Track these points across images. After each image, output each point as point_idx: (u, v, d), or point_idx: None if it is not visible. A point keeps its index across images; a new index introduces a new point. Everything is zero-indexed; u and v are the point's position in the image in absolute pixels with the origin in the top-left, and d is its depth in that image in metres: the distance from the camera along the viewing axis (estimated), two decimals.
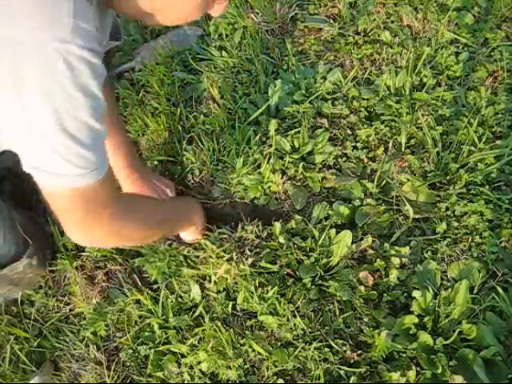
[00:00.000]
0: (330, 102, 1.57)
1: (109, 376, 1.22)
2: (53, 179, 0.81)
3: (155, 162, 1.53)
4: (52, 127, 0.75)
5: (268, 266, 1.25)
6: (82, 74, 0.73)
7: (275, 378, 1.14)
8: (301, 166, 1.40)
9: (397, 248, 1.28)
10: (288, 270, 1.25)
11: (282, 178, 1.40)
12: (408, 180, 1.39)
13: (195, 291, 1.27)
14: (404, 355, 1.13)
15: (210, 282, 1.27)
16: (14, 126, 0.76)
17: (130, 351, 1.24)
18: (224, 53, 1.74)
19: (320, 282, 1.24)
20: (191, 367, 1.18)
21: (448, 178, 1.39)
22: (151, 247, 1.36)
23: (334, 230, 1.29)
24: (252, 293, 1.21)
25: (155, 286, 1.32)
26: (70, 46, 0.71)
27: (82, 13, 0.72)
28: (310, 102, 1.55)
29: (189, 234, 1.33)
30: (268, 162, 1.42)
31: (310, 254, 1.27)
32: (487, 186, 1.35)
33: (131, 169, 1.37)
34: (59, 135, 0.76)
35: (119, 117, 1.42)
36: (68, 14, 0.70)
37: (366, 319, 1.19)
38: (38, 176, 0.82)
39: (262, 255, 1.27)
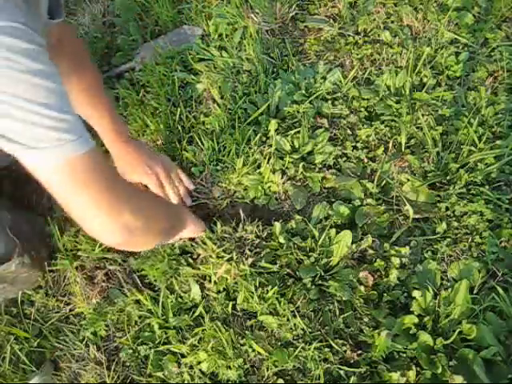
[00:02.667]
0: (330, 101, 1.57)
1: (109, 376, 1.22)
2: (46, 155, 0.76)
3: None
4: (7, 97, 0.72)
5: (268, 265, 1.25)
6: (17, 44, 0.71)
7: (275, 378, 1.14)
8: (301, 166, 1.40)
9: (397, 248, 1.28)
10: (288, 270, 1.25)
11: (282, 178, 1.40)
12: (408, 180, 1.39)
13: (195, 291, 1.27)
14: (404, 355, 1.13)
15: (210, 281, 1.27)
16: None
17: (130, 351, 1.24)
18: (224, 53, 1.74)
19: (320, 282, 1.24)
20: (191, 367, 1.18)
21: (448, 178, 1.39)
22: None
23: (333, 230, 1.29)
24: (252, 293, 1.21)
25: (155, 286, 1.32)
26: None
27: None
28: (310, 102, 1.55)
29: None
30: (268, 162, 1.42)
31: (310, 253, 1.27)
32: (487, 186, 1.35)
33: (117, 132, 1.29)
34: (27, 106, 0.73)
35: (99, 78, 1.33)
36: None
37: (365, 319, 1.19)
38: (32, 158, 0.77)
39: (262, 255, 1.27)
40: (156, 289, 1.32)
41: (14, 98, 0.72)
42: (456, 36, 1.70)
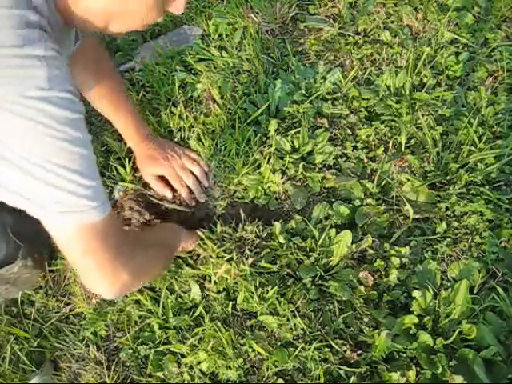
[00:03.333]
0: (330, 101, 1.57)
1: (109, 376, 1.22)
2: (66, 218, 0.80)
3: None
4: (44, 163, 0.75)
5: (268, 265, 1.25)
6: (63, 115, 0.75)
7: (275, 378, 1.14)
8: (301, 166, 1.40)
9: (397, 248, 1.28)
10: (288, 270, 1.25)
11: (282, 178, 1.40)
12: (408, 180, 1.39)
13: (195, 291, 1.27)
14: (404, 355, 1.13)
15: (210, 282, 1.27)
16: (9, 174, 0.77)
17: (130, 351, 1.24)
18: (224, 53, 1.74)
19: (320, 282, 1.24)
20: (191, 367, 1.18)
21: (448, 178, 1.39)
22: None
23: (333, 230, 1.29)
24: (252, 293, 1.21)
25: (155, 287, 1.32)
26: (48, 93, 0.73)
27: (52, 62, 0.75)
28: (310, 102, 1.55)
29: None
30: (268, 162, 1.42)
31: (310, 253, 1.27)
32: (487, 186, 1.35)
33: (140, 133, 1.38)
34: (59, 172, 0.77)
35: (120, 82, 1.40)
36: (42, 66, 0.74)
37: (366, 319, 1.19)
38: (50, 219, 0.81)
39: (262, 255, 1.27)
40: (156, 289, 1.32)
41: (50, 164, 0.76)
42: (456, 36, 1.70)
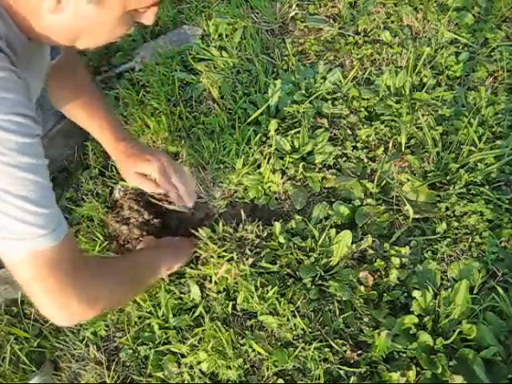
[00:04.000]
0: (330, 101, 1.57)
1: (109, 376, 1.22)
2: (14, 245, 0.78)
3: None
4: None
5: (268, 265, 1.25)
6: (10, 139, 0.73)
7: (275, 378, 1.14)
8: (301, 166, 1.40)
9: (397, 248, 1.28)
10: (288, 270, 1.25)
11: (282, 178, 1.40)
12: (408, 180, 1.39)
13: (195, 291, 1.27)
14: (404, 355, 1.13)
15: (210, 282, 1.27)
16: None
17: (130, 351, 1.24)
18: (224, 53, 1.74)
19: (320, 282, 1.24)
20: (191, 367, 1.18)
21: (448, 178, 1.39)
22: None
23: (333, 230, 1.29)
24: (252, 293, 1.21)
25: (155, 287, 1.32)
26: None
27: (3, 84, 0.73)
28: (310, 102, 1.55)
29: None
30: (268, 162, 1.42)
31: (310, 253, 1.27)
32: (487, 186, 1.35)
33: (118, 139, 1.28)
34: (5, 198, 0.75)
35: (95, 91, 1.32)
36: None
37: (366, 319, 1.19)
38: (1, 246, 0.79)
39: (262, 255, 1.27)
40: (156, 289, 1.32)
41: None
42: (456, 36, 1.70)
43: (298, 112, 1.54)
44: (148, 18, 0.86)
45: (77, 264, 0.87)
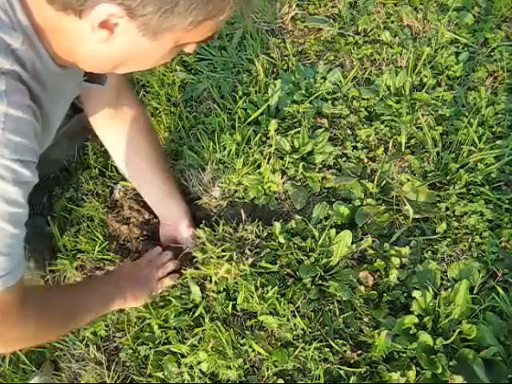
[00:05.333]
0: (330, 101, 1.57)
1: (109, 376, 1.21)
2: None
3: None
4: None
5: (268, 265, 1.25)
6: (6, 185, 0.72)
7: (275, 378, 1.14)
8: (301, 166, 1.40)
9: (397, 248, 1.28)
10: (288, 270, 1.25)
11: (282, 178, 1.40)
12: (408, 180, 1.39)
13: (195, 291, 1.27)
14: (404, 355, 1.13)
15: (210, 282, 1.27)
16: None
17: (130, 351, 1.23)
18: (224, 53, 1.74)
19: (320, 282, 1.23)
20: (191, 367, 1.18)
21: (448, 178, 1.39)
22: None
23: (333, 230, 1.29)
24: (252, 293, 1.21)
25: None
26: None
27: (13, 125, 0.71)
28: (310, 102, 1.55)
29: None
30: (268, 162, 1.42)
31: (310, 254, 1.27)
32: (487, 186, 1.35)
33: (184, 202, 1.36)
34: None
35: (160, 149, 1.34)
36: None
37: (365, 319, 1.19)
38: None
39: (262, 255, 1.27)
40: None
41: None
42: (456, 36, 1.70)
43: (298, 112, 1.54)
44: (191, 48, 0.84)
45: (16, 307, 0.84)
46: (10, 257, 0.78)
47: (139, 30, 0.71)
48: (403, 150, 1.45)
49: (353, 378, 1.09)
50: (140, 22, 0.69)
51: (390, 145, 1.45)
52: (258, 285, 1.22)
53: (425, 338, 1.12)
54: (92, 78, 0.99)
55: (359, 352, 1.14)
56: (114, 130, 1.24)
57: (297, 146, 1.47)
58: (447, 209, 1.34)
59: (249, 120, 1.53)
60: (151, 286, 1.25)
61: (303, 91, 1.60)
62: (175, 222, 1.35)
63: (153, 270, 1.26)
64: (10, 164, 0.72)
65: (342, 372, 1.11)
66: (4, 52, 0.72)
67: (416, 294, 1.19)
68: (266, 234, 1.31)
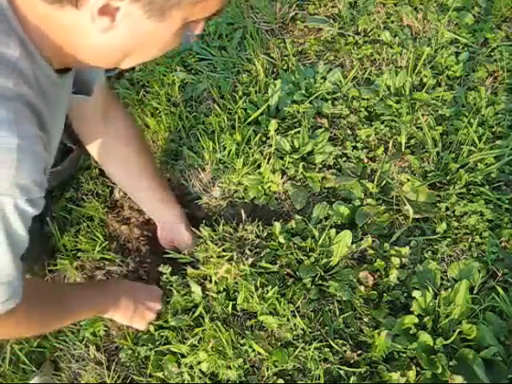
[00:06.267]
0: (330, 101, 1.57)
1: (109, 376, 1.21)
2: None
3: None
4: None
5: (268, 265, 1.25)
6: (13, 222, 0.70)
7: (275, 378, 1.14)
8: (301, 166, 1.40)
9: (397, 248, 1.28)
10: (288, 270, 1.25)
11: (281, 178, 1.40)
12: (408, 180, 1.39)
13: (196, 291, 1.27)
14: (404, 355, 1.13)
15: (210, 282, 1.27)
16: None
17: (130, 351, 1.23)
18: (224, 53, 1.74)
19: (320, 282, 1.23)
20: (191, 367, 1.18)
21: (448, 178, 1.39)
22: None
23: (333, 230, 1.29)
24: (252, 293, 1.21)
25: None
26: (5, 199, 0.67)
27: (25, 166, 0.67)
28: (310, 102, 1.55)
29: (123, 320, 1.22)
30: (268, 162, 1.42)
31: (310, 254, 1.27)
32: (487, 186, 1.35)
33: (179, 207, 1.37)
34: None
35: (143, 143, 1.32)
36: (11, 167, 0.65)
37: (365, 319, 1.19)
38: None
39: (262, 255, 1.27)
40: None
41: None
42: (456, 36, 1.70)
43: (298, 112, 1.54)
44: (200, 28, 0.78)
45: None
46: (11, 287, 0.78)
47: (144, 12, 0.64)
48: (403, 150, 1.45)
49: (353, 378, 1.09)
50: (144, 1, 0.62)
51: (390, 145, 1.45)
52: (258, 285, 1.22)
53: (425, 338, 1.12)
54: (78, 89, 0.94)
55: (359, 352, 1.14)
56: (104, 143, 1.22)
57: (297, 146, 1.47)
58: (447, 209, 1.34)
59: (249, 120, 1.53)
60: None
61: (303, 91, 1.60)
62: (172, 226, 1.36)
63: (145, 312, 1.24)
64: (19, 203, 0.69)
65: (342, 372, 1.11)
66: (4, 67, 0.66)
67: (416, 293, 1.19)
68: (265, 234, 1.31)
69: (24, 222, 0.72)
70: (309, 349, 1.13)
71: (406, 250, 1.27)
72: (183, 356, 1.20)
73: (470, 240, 1.28)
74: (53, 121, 0.78)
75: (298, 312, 1.19)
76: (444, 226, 1.30)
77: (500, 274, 1.21)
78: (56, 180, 1.43)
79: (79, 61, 0.75)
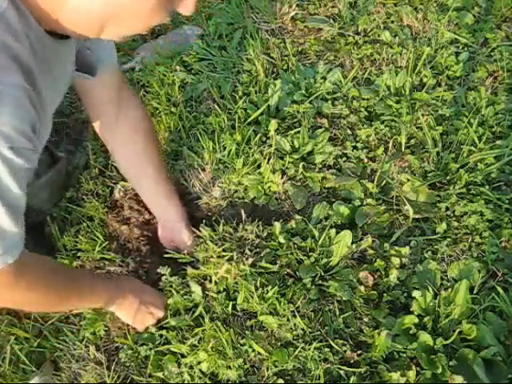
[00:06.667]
0: (330, 101, 1.57)
1: (109, 376, 1.21)
2: None
3: None
4: None
5: (268, 265, 1.25)
6: None
7: (275, 378, 1.14)
8: (301, 166, 1.40)
9: (397, 248, 1.28)
10: (288, 270, 1.25)
11: (281, 178, 1.40)
12: (408, 180, 1.39)
13: (196, 291, 1.27)
14: (404, 355, 1.13)
15: (210, 282, 1.27)
16: None
17: (130, 351, 1.23)
18: (224, 53, 1.74)
19: (320, 282, 1.23)
20: (191, 367, 1.18)
21: (448, 178, 1.39)
22: None
23: (333, 230, 1.29)
24: (252, 293, 1.21)
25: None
26: None
27: (6, 111, 0.68)
28: (310, 102, 1.55)
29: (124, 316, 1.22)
30: (268, 162, 1.42)
31: (310, 254, 1.27)
32: (487, 186, 1.35)
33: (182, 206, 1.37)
34: None
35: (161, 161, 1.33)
36: None
37: (365, 319, 1.19)
38: None
39: (262, 255, 1.27)
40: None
41: None
42: (456, 36, 1.70)
43: (298, 112, 1.54)
44: (187, 8, 0.74)
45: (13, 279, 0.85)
46: (6, 240, 0.79)
47: None
48: (403, 149, 1.45)
49: (353, 378, 1.09)
50: None
51: (390, 145, 1.45)
52: (258, 285, 1.22)
53: (425, 338, 1.12)
54: (83, 69, 0.96)
55: (359, 352, 1.14)
56: (117, 132, 1.24)
57: (297, 146, 1.47)
58: (447, 209, 1.34)
59: (249, 120, 1.53)
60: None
61: (303, 91, 1.60)
62: (173, 225, 1.36)
63: (147, 315, 1.23)
64: (2, 151, 0.69)
65: (342, 372, 1.11)
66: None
67: (416, 293, 1.19)
68: (266, 234, 1.31)
69: (13, 174, 0.72)
70: (309, 349, 1.13)
71: (406, 250, 1.27)
72: (183, 356, 1.20)
73: (469, 240, 1.28)
74: (45, 83, 0.78)
75: (298, 312, 1.19)
76: (444, 225, 1.30)
77: (500, 274, 1.21)
78: (46, 192, 1.41)
79: (65, 27, 0.75)
